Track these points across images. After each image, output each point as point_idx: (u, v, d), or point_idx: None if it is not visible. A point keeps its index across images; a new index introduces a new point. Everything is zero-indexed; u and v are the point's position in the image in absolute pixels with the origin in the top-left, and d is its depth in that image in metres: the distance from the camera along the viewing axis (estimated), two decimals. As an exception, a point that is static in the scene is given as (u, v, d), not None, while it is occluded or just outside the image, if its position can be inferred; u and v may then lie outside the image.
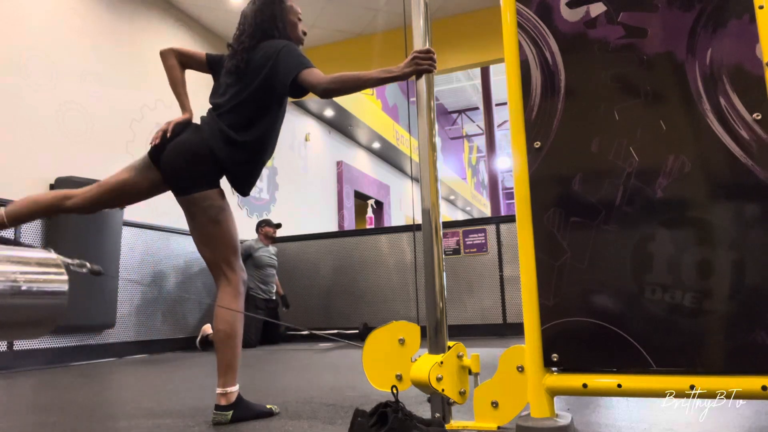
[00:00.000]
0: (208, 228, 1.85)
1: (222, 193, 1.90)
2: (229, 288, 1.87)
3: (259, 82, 1.88)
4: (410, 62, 1.76)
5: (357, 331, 5.54)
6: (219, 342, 1.82)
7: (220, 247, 1.86)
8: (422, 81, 1.77)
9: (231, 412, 1.77)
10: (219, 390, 1.79)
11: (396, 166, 11.95)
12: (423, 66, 1.75)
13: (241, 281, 1.89)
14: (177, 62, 2.02)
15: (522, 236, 1.48)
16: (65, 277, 0.73)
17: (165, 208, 5.23)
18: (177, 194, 1.86)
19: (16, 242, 2.75)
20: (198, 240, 1.88)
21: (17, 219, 1.83)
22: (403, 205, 12.14)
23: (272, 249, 5.85)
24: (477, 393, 1.53)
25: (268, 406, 1.90)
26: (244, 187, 1.96)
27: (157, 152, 1.88)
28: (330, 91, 1.80)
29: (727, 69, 1.33)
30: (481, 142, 19.51)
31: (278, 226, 5.85)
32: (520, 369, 1.47)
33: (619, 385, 1.32)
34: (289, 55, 1.86)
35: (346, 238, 6.04)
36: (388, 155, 11.19)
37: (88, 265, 1.62)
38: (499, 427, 1.48)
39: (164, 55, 2.01)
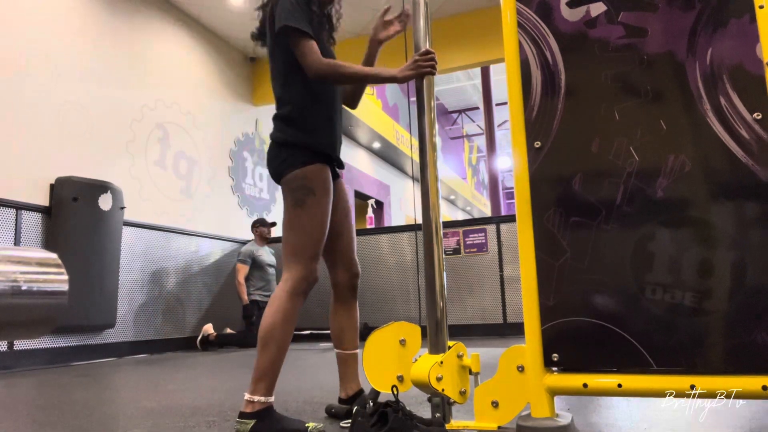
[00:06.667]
0: (290, 211, 1.69)
1: (325, 174, 1.73)
2: (284, 285, 1.66)
3: (270, 46, 1.80)
4: (412, 65, 1.73)
5: (357, 331, 5.53)
6: (258, 344, 1.65)
7: (294, 236, 1.69)
8: (423, 81, 1.76)
9: (252, 422, 1.55)
10: (246, 396, 1.60)
11: (396, 166, 11.95)
12: (425, 69, 1.73)
13: (303, 281, 1.67)
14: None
15: (522, 236, 1.48)
16: (65, 277, 0.73)
17: (165, 208, 5.24)
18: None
19: None
20: (282, 228, 1.74)
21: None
22: (404, 205, 12.13)
23: (269, 249, 5.84)
24: (477, 393, 1.53)
25: (308, 425, 1.59)
26: (331, 153, 1.80)
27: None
28: (323, 76, 1.69)
29: (727, 69, 1.33)
30: (481, 141, 19.51)
31: (273, 224, 5.82)
32: (521, 369, 1.47)
33: (620, 385, 1.32)
34: (281, 6, 1.72)
35: (346, 238, 6.03)
36: (388, 155, 11.19)
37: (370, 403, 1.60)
38: (499, 427, 1.48)
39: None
